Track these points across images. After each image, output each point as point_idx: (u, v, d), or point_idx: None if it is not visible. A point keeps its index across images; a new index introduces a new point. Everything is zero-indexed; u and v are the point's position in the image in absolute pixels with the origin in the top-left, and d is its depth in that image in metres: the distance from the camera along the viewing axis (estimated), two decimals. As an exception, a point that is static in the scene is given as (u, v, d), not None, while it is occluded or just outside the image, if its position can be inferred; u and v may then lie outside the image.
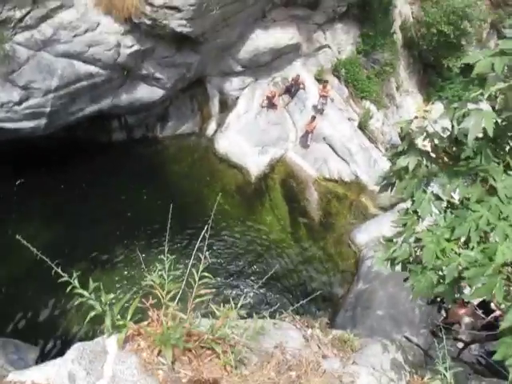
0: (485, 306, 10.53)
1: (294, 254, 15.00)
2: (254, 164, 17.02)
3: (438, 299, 11.98)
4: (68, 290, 3.20)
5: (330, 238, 15.81)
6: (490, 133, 4.05)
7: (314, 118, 16.82)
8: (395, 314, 12.74)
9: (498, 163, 4.81)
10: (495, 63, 3.97)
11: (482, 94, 4.40)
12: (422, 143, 5.42)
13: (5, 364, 9.18)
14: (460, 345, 9.65)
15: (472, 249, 4.40)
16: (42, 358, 9.92)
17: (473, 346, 10.54)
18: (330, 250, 15.44)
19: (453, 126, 5.30)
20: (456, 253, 4.43)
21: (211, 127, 18.04)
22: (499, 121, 4.41)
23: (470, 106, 4.49)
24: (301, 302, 4.19)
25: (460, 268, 4.33)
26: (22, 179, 14.13)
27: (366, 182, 17.17)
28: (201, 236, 3.85)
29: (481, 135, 4.53)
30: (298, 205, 16.61)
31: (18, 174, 14.04)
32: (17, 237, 3.18)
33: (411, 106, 18.57)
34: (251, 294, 12.84)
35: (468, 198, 4.74)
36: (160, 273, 3.63)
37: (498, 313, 10.17)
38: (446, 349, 3.54)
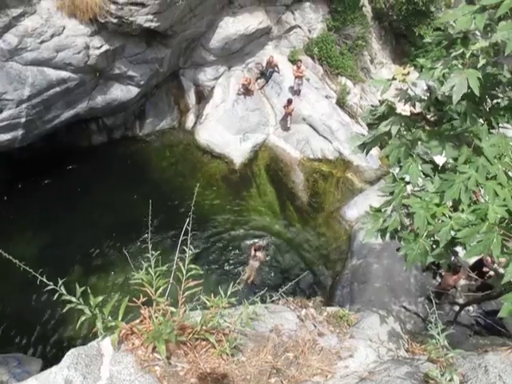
0: (477, 268, 10.69)
1: (285, 237, 15.06)
2: (237, 152, 16.99)
3: (433, 266, 12.16)
4: (55, 297, 3.19)
5: (320, 217, 15.87)
6: (476, 92, 4.04)
7: (290, 100, 16.79)
8: (392, 285, 12.87)
9: (482, 123, 4.83)
10: (476, 19, 3.95)
11: (463, 53, 4.41)
12: (402, 108, 5.43)
13: (10, 379, 9.17)
14: (457, 308, 9.80)
15: (462, 211, 4.41)
16: (47, 368, 9.95)
17: (470, 308, 10.72)
18: (321, 229, 15.51)
19: (429, 89, 5.31)
20: (447, 217, 4.43)
21: (190, 120, 17.93)
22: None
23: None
24: (289, 284, 4.21)
25: (453, 231, 4.33)
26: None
27: (350, 157, 17.21)
28: (183, 229, 3.84)
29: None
30: (285, 188, 16.64)
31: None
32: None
33: (387, 77, 18.52)
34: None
35: (455, 159, 4.74)
36: (147, 270, 3.62)
37: (491, 273, 10.33)
38: (436, 313, 3.59)
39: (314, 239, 15.23)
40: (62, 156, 14.96)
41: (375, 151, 16.93)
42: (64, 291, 3.19)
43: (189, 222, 3.85)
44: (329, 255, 14.92)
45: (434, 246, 4.60)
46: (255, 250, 13.24)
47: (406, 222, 5.02)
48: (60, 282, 3.16)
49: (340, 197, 16.63)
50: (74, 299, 3.19)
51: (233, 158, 16.91)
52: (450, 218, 4.41)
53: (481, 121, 4.92)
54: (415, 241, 4.59)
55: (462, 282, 11.57)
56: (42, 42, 12.61)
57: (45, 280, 3.14)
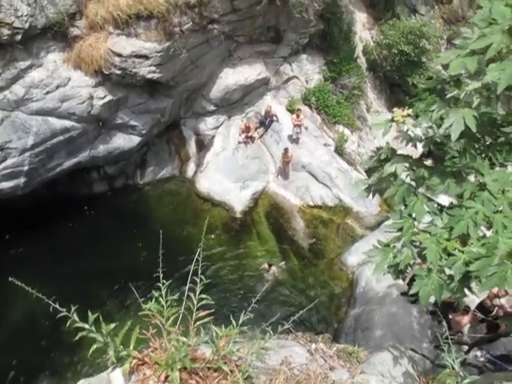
0: (482, 308, 10.57)
1: (287, 284, 14.89)
2: (237, 200, 17.09)
3: (439, 311, 11.96)
4: (67, 324, 3.16)
5: (322, 264, 15.78)
6: (473, 128, 4.20)
7: (286, 149, 17.11)
8: (396, 332, 12.62)
9: (483, 159, 4.94)
10: (467, 62, 4.15)
11: (458, 95, 4.58)
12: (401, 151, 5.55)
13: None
14: (465, 349, 9.62)
15: (471, 245, 4.43)
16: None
17: (478, 353, 10.49)
18: (322, 275, 15.38)
19: (428, 130, 5.45)
20: (459, 250, 4.44)
21: (190, 168, 18.15)
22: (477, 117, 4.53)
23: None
24: (297, 315, 4.10)
25: (466, 265, 4.32)
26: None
27: (350, 204, 17.33)
28: (194, 260, 3.85)
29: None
30: (286, 235, 16.62)
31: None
32: (10, 279, 3.15)
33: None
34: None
35: (459, 196, 4.81)
36: (158, 300, 3.60)
37: (500, 312, 10.22)
38: (450, 339, 3.55)
39: (316, 286, 15.06)
40: (62, 204, 15.00)
41: (372, 197, 17.04)
42: (77, 318, 3.16)
43: (199, 253, 3.86)
44: (330, 302, 14.71)
45: (448, 281, 4.57)
46: (269, 265, 14.60)
47: (416, 258, 5.01)
48: (73, 308, 3.15)
49: (340, 243, 16.59)
50: (86, 326, 3.16)
51: (233, 206, 16.99)
52: (462, 252, 4.42)
53: (480, 157, 5.04)
54: (428, 276, 4.57)
55: (468, 326, 11.37)
56: (47, 93, 12.97)
57: (58, 307, 3.13)
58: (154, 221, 16.13)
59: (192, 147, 18.27)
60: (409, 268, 5.23)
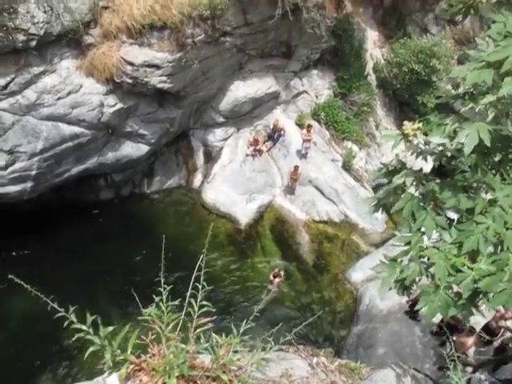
0: (488, 329, 10.43)
1: (290, 299, 14.81)
2: (243, 212, 17.07)
3: (445, 329, 11.79)
4: (65, 324, 3.13)
5: (325, 279, 15.68)
6: (488, 143, 4.15)
7: (297, 167, 17.08)
8: (399, 350, 12.48)
9: (494, 174, 4.89)
10: (484, 74, 4.13)
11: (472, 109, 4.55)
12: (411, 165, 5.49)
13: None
14: (469, 370, 9.47)
15: (480, 262, 4.36)
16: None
17: (482, 377, 10.33)
18: (326, 291, 15.28)
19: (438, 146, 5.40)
20: (468, 267, 4.37)
21: (197, 179, 18.17)
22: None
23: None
24: (299, 327, 4.04)
25: (474, 283, 4.25)
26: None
27: (356, 220, 17.27)
28: (196, 266, 3.81)
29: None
30: (290, 249, 16.57)
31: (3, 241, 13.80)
32: (9, 276, 3.13)
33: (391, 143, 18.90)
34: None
35: (469, 212, 4.73)
36: (158, 305, 3.57)
37: (506, 334, 10.08)
38: (456, 356, 3.48)
39: (319, 301, 14.96)
40: (69, 210, 15.03)
41: (380, 214, 16.97)
42: (74, 319, 3.13)
43: (202, 260, 3.83)
44: (333, 318, 14.59)
45: (456, 299, 4.48)
46: (274, 277, 14.68)
47: (424, 272, 4.92)
48: (71, 309, 3.12)
49: (345, 259, 16.49)
50: (84, 327, 3.12)
51: (238, 218, 16.96)
52: (471, 269, 4.34)
53: (491, 172, 4.98)
54: (435, 293, 4.49)
55: (473, 348, 11.20)
56: (58, 99, 13.08)
57: (56, 306, 3.10)
58: (159, 229, 16.10)
59: (200, 158, 18.30)
60: (414, 285, 5.16)
